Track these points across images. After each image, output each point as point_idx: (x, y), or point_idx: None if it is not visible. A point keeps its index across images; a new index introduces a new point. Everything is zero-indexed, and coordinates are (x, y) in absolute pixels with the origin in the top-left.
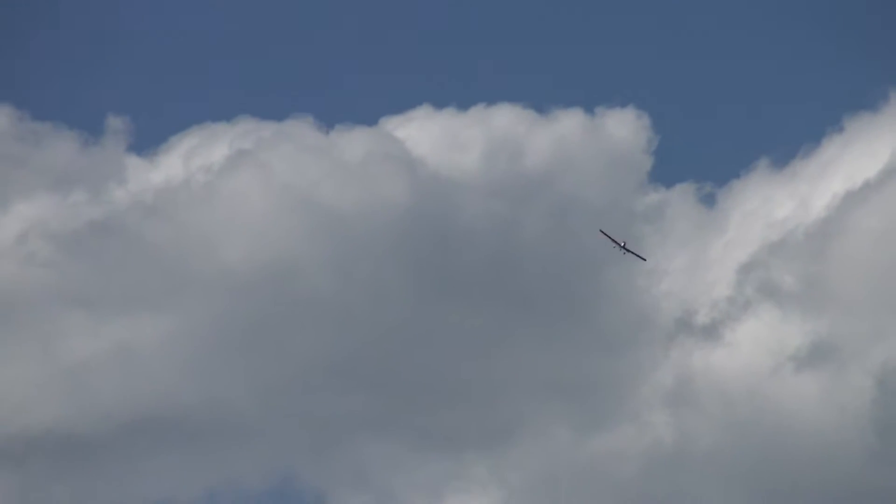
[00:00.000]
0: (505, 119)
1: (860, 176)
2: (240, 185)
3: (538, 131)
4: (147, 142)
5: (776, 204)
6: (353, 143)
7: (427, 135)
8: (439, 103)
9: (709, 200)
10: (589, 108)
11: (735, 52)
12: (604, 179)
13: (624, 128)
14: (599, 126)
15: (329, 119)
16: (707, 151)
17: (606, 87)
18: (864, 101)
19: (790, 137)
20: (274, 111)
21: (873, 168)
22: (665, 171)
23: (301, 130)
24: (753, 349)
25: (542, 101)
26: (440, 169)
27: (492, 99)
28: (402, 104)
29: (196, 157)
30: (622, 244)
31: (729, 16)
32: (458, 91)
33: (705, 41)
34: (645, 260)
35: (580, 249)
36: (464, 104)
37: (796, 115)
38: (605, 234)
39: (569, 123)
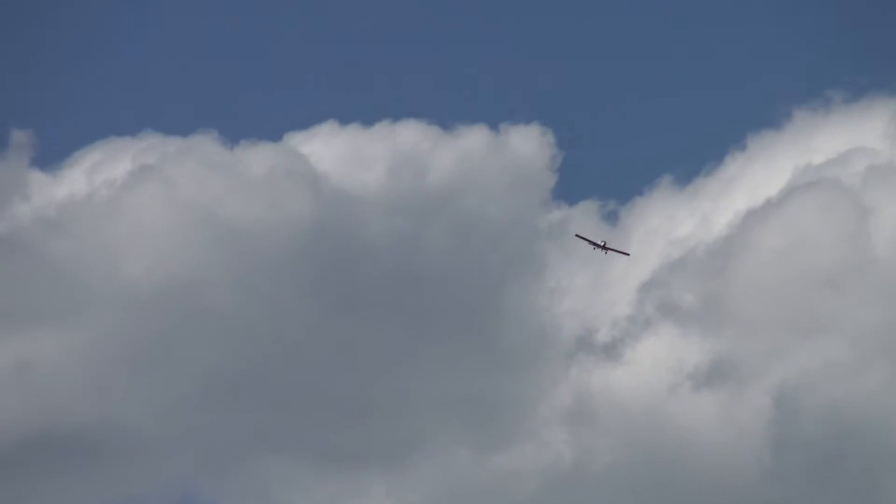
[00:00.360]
0: (409, 135)
1: (762, 194)
2: (143, 201)
3: (442, 148)
4: (51, 156)
5: (678, 222)
6: (258, 158)
7: (331, 151)
8: (344, 119)
9: (611, 218)
10: (493, 124)
11: (638, 69)
12: (507, 196)
13: (528, 144)
14: (504, 143)
15: (234, 134)
16: (611, 169)
17: (511, 104)
18: (767, 118)
19: (693, 155)
20: (178, 126)
21: (775, 186)
22: (569, 188)
23: (205, 146)
24: (653, 368)
25: (446, 118)
26: (344, 185)
27: (396, 115)
28: (306, 120)
29: (100, 171)
30: (602, 244)
31: (632, 33)
32: (362, 107)
33: (610, 59)
34: (628, 255)
35: (483, 267)
36: (368, 120)
37: (700, 133)
38: (582, 237)
39: (473, 140)
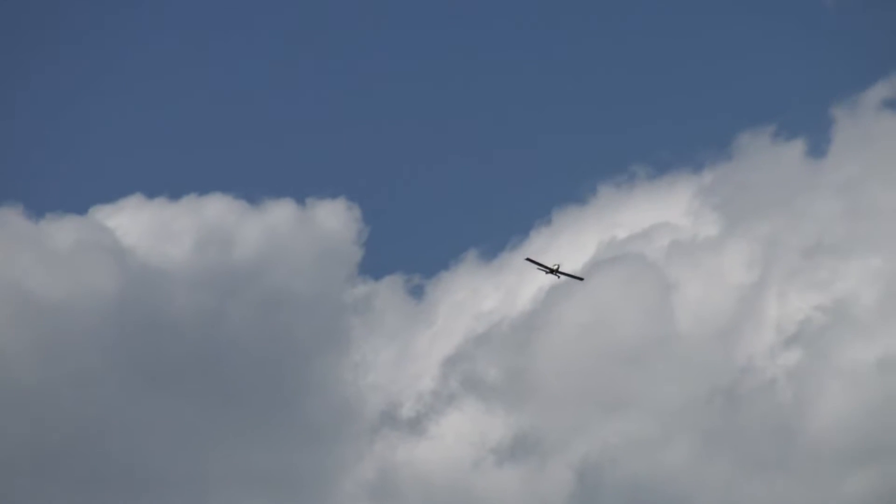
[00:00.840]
0: (216, 209)
1: (566, 268)
2: None
3: (249, 221)
4: None
5: (483, 296)
6: (63, 232)
7: (138, 224)
8: (150, 193)
9: (417, 292)
10: (300, 199)
11: (443, 145)
12: (314, 271)
13: (335, 219)
14: (310, 217)
15: (39, 208)
16: (416, 243)
17: (317, 178)
18: (572, 194)
19: (499, 230)
20: None
21: (579, 260)
22: (375, 262)
23: (10, 219)
24: (456, 442)
25: (253, 192)
26: (150, 259)
27: (203, 189)
28: (112, 193)
29: None
30: (555, 268)
31: (434, 111)
32: (169, 180)
33: (414, 135)
34: (582, 279)
35: (289, 341)
36: (175, 194)
37: (505, 207)
38: (533, 261)
39: (280, 214)
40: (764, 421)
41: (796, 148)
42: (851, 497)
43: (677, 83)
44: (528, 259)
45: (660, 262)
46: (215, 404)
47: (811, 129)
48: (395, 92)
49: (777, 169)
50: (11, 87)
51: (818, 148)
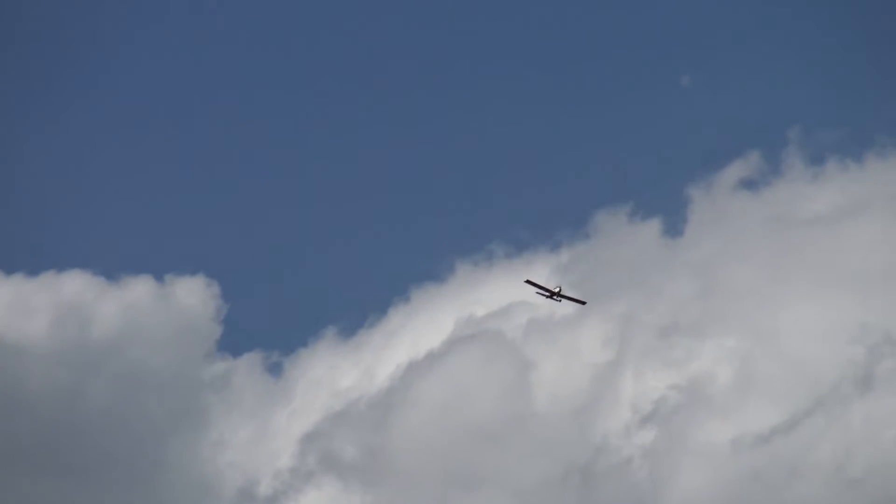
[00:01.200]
0: (74, 286)
1: (424, 346)
2: None
3: (107, 298)
4: None
5: (341, 373)
6: None
7: None
8: (8, 269)
9: (276, 369)
10: (159, 275)
11: (301, 223)
12: (172, 347)
13: (193, 296)
14: (169, 294)
15: None
16: (275, 320)
17: (176, 255)
18: (430, 272)
19: (357, 307)
20: None
21: (437, 338)
22: (233, 339)
23: None
24: None
25: (111, 268)
26: (6, 335)
27: (62, 265)
28: None
29: None
30: (556, 291)
31: (290, 187)
32: (27, 256)
33: (272, 212)
34: (584, 303)
35: (146, 419)
36: (33, 270)
37: (364, 285)
38: (533, 283)
39: (138, 291)
40: (619, 499)
41: (652, 227)
42: None
43: (534, 162)
44: (528, 281)
45: (517, 340)
46: (71, 482)
47: (667, 208)
48: (252, 168)
49: (633, 248)
50: None
51: (674, 227)
